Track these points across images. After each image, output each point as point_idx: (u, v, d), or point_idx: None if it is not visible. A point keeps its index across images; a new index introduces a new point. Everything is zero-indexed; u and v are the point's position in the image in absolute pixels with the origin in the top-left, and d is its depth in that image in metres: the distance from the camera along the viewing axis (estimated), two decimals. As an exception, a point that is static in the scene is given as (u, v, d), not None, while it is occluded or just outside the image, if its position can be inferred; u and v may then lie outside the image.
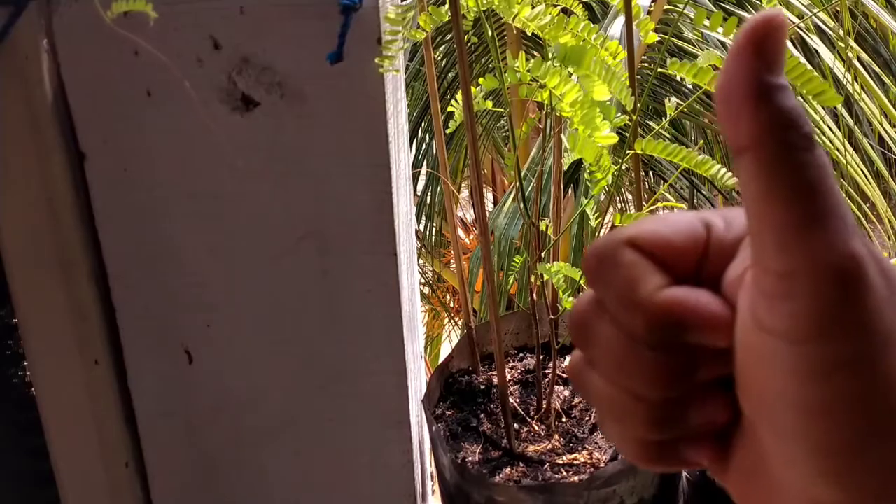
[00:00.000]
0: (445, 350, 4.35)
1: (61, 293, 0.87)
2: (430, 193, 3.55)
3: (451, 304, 4.26)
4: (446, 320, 4.27)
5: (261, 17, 0.80)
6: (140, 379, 0.94)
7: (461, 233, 4.38)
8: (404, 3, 0.82)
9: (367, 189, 0.85)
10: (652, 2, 2.61)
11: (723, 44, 2.85)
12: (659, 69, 0.86)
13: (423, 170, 3.40)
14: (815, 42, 2.36)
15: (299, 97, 0.82)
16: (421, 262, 3.97)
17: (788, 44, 2.48)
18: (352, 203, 0.86)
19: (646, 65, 3.26)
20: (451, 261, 4.44)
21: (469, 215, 4.59)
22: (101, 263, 0.90)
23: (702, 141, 3.30)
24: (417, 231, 3.75)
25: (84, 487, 0.93)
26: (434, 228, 3.65)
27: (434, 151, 3.42)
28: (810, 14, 2.27)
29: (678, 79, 2.81)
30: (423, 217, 3.74)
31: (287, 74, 0.82)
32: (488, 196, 4.61)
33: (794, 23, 2.25)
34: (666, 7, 2.88)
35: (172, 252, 0.89)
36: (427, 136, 3.34)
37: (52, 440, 0.91)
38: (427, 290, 4.17)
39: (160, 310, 0.91)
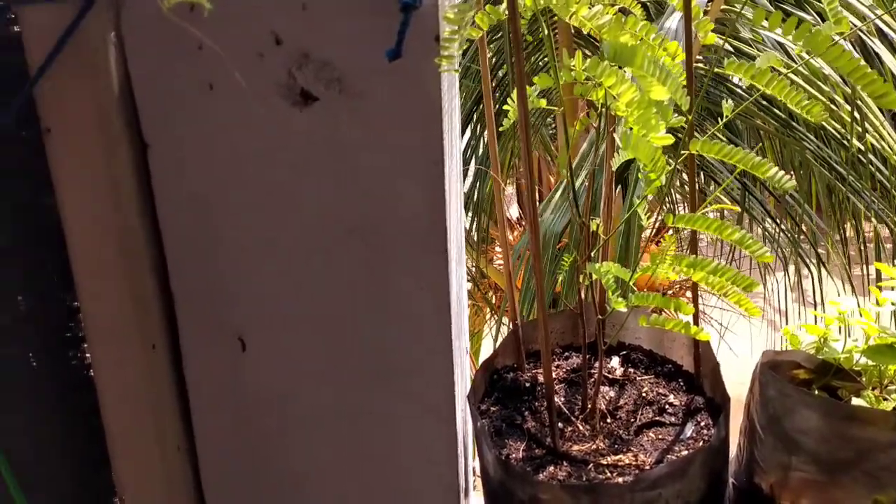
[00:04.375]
0: (486, 346, 4.34)
1: (122, 279, 0.90)
2: (476, 189, 3.56)
3: (493, 301, 4.26)
4: (488, 316, 4.27)
5: (321, 13, 0.81)
6: (195, 364, 0.96)
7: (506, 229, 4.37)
8: (464, 2, 0.83)
9: (421, 186, 0.86)
10: (708, 1, 2.57)
11: (780, 45, 2.80)
12: (715, 69, 0.85)
13: (472, 166, 3.40)
14: (877, 45, 2.31)
15: (357, 93, 0.84)
16: (464, 257, 3.97)
17: (848, 45, 2.42)
18: (405, 199, 0.87)
19: (700, 65, 3.22)
20: (495, 257, 4.44)
21: (512, 212, 4.58)
22: (161, 251, 0.92)
23: (760, 143, 3.24)
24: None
25: (137, 469, 0.96)
26: (478, 224, 3.66)
27: (480, 148, 3.42)
28: (873, 17, 2.21)
29: (733, 80, 2.76)
30: (470, 212, 3.75)
31: (346, 70, 0.83)
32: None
33: (855, 26, 2.20)
34: (723, 7, 2.83)
35: (229, 242, 0.91)
36: (474, 132, 3.35)
37: (109, 422, 0.94)
38: (470, 285, 4.17)
39: (216, 298, 0.93)
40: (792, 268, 3.44)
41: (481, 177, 3.35)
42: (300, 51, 0.83)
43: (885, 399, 0.96)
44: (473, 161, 3.44)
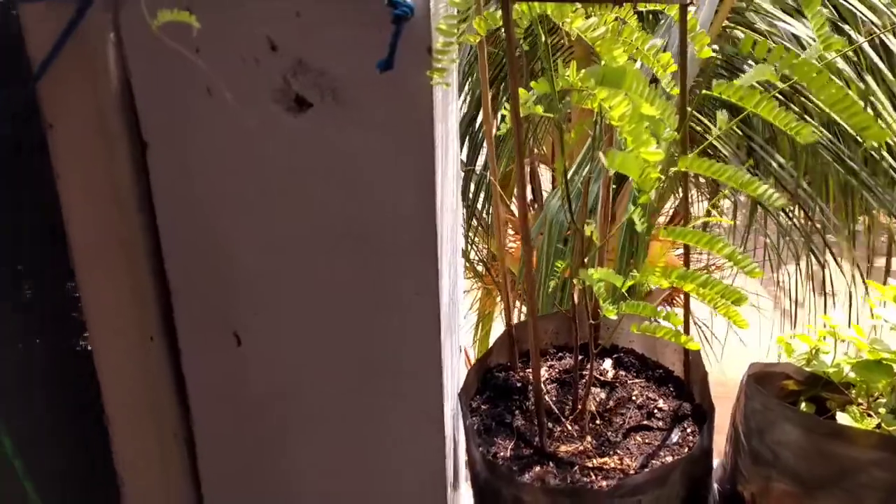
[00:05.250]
0: (497, 327, 4.37)
1: (121, 272, 0.92)
2: (489, 173, 3.56)
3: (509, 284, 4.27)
4: (498, 299, 4.29)
5: (316, 21, 0.82)
6: (191, 357, 0.99)
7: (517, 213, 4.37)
8: (458, 12, 0.83)
9: (412, 193, 0.87)
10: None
11: (796, 37, 2.76)
12: (704, 91, 0.85)
13: (484, 150, 3.40)
14: (891, 42, 2.28)
15: (351, 101, 0.85)
16: (477, 240, 3.99)
17: (867, 46, 2.38)
18: (396, 205, 0.88)
19: (716, 56, 3.19)
20: (507, 241, 4.44)
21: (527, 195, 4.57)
22: (159, 248, 0.94)
23: (767, 134, 3.21)
24: (475, 210, 3.76)
25: (136, 455, 0.99)
26: (492, 207, 3.67)
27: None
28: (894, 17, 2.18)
29: (745, 69, 2.74)
30: (483, 195, 3.76)
31: (340, 78, 0.84)
32: (546, 176, 4.57)
33: (871, 21, 2.17)
34: (740, -4, 2.80)
35: (225, 239, 0.93)
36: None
37: (109, 409, 0.97)
38: (481, 268, 4.19)
39: (212, 294, 0.95)
40: (804, 261, 3.43)
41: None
42: (295, 57, 0.84)
43: (870, 416, 0.97)
44: (485, 146, 3.44)
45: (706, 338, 4.08)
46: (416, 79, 0.82)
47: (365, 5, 0.81)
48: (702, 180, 3.79)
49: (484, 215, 3.78)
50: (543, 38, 0.95)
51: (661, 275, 0.97)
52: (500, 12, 0.91)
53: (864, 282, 3.13)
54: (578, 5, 0.91)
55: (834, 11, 2.60)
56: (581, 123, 1.06)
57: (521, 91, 1.02)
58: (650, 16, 2.85)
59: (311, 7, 0.82)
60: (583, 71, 0.88)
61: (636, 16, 0.92)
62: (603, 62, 0.88)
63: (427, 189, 0.87)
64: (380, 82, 0.83)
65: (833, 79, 0.76)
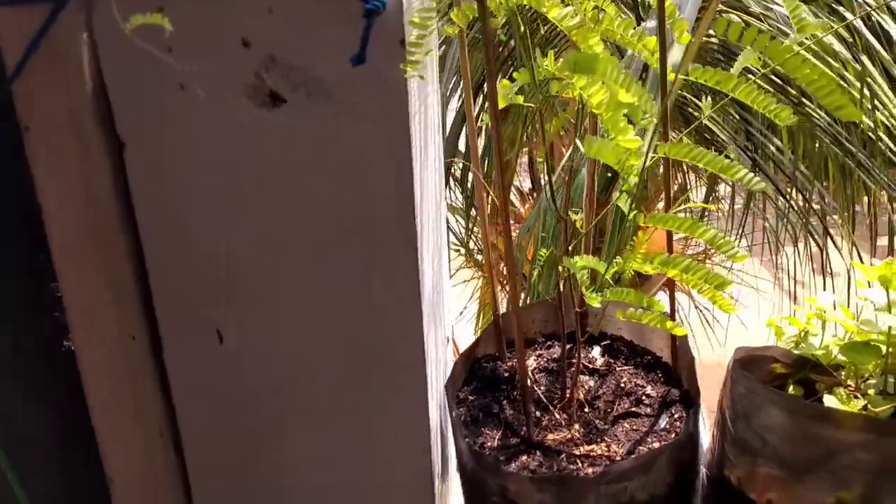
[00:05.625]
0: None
1: (101, 272, 0.92)
2: (487, 161, 3.56)
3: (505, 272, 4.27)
4: (499, 288, 4.29)
5: (288, 16, 0.82)
6: (174, 356, 0.99)
7: (517, 202, 4.37)
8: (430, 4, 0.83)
9: (390, 187, 0.87)
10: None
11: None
12: (681, 76, 0.85)
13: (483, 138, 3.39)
14: (888, 23, 2.26)
15: (325, 95, 0.84)
16: (477, 230, 3.99)
17: (859, 23, 2.36)
18: (374, 199, 0.88)
19: (713, 40, 3.17)
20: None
21: (525, 184, 4.57)
22: (140, 247, 0.94)
23: (766, 118, 3.20)
24: (475, 200, 3.76)
25: (124, 455, 0.99)
26: (476, 198, 3.66)
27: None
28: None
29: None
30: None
31: (313, 73, 0.84)
32: (543, 164, 4.56)
33: (867, 3, 2.15)
34: (734, -22, 2.78)
35: (205, 238, 0.93)
36: (482, 106, 3.33)
37: (94, 409, 0.97)
38: (481, 257, 4.19)
39: (193, 292, 0.96)
40: (802, 243, 3.42)
41: (490, 151, 3.34)
42: (267, 53, 0.83)
43: (857, 397, 0.97)
44: (483, 134, 3.43)
45: (707, 322, 4.08)
46: (390, 72, 0.82)
47: (337, 0, 0.80)
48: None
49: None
50: (522, 28, 0.95)
51: (643, 261, 0.97)
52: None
53: (861, 262, 3.12)
54: (555, -7, 0.91)
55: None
56: (563, 113, 1.06)
57: (505, 82, 1.02)
58: (645, 3, 2.83)
59: (282, 3, 0.82)
60: (561, 60, 0.87)
61: (628, 3, 0.92)
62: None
63: (405, 182, 0.87)
64: (354, 76, 0.82)
65: (810, 59, 0.76)
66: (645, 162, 0.88)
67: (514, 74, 0.99)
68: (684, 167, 3.76)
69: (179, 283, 0.95)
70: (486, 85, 1.05)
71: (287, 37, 0.82)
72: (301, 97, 0.84)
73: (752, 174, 0.87)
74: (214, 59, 0.84)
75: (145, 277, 0.95)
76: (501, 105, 1.00)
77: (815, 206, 3.27)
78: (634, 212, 1.11)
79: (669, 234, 1.02)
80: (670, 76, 0.89)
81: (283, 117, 0.85)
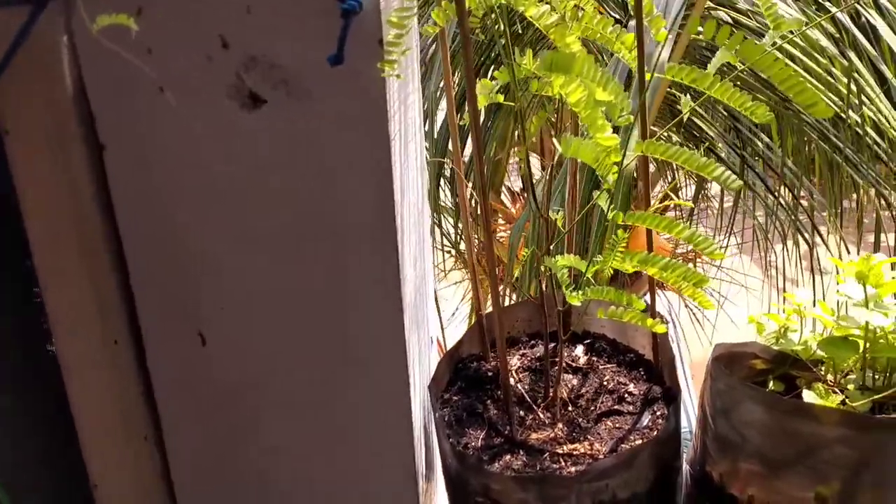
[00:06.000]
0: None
1: (83, 276, 0.93)
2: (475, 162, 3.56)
3: (497, 273, 4.28)
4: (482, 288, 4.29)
5: (267, 16, 0.82)
6: (157, 359, 0.99)
7: (507, 203, 4.38)
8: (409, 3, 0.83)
9: (370, 185, 0.87)
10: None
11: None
12: (657, 74, 0.85)
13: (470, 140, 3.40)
14: (874, 18, 2.28)
15: (304, 95, 0.85)
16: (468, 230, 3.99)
17: (845, 17, 2.38)
18: (355, 198, 0.89)
19: (701, 38, 3.18)
20: (497, 230, 4.44)
21: (517, 184, 4.58)
22: (121, 251, 0.94)
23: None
24: (468, 200, 3.76)
25: (106, 458, 0.99)
26: (458, 197, 3.67)
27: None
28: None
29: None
30: (471, 183, 3.75)
31: (292, 73, 0.84)
32: (535, 162, 4.57)
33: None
34: (720, -24, 2.80)
35: (187, 240, 0.93)
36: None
37: (77, 413, 0.97)
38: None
39: (175, 294, 0.96)
40: (791, 240, 3.43)
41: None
42: (247, 54, 0.84)
43: (836, 392, 0.97)
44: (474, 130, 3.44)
45: (697, 319, 4.09)
46: (368, 72, 0.82)
47: (315, 0, 0.81)
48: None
49: (472, 204, 3.78)
50: (501, 27, 0.95)
51: (623, 259, 0.97)
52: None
53: (847, 258, 3.13)
54: (533, -7, 0.91)
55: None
56: (542, 112, 1.06)
57: (485, 81, 1.03)
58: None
59: (261, 3, 0.82)
60: (540, 59, 0.88)
61: (617, 2, 0.93)
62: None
63: (384, 182, 0.87)
64: (332, 76, 0.83)
65: (781, 58, 0.76)
66: (623, 160, 0.88)
67: (495, 73, 1.00)
68: (674, 165, 3.77)
69: (162, 285, 0.95)
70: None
71: (266, 36, 0.83)
72: (281, 96, 0.84)
73: (728, 172, 0.88)
74: (194, 60, 0.84)
75: (128, 281, 0.95)
76: (482, 104, 1.01)
77: (804, 203, 3.29)
78: (615, 211, 1.12)
79: (650, 232, 1.02)
80: (647, 75, 0.90)
81: (263, 118, 0.85)
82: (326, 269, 0.92)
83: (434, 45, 3.11)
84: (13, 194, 0.90)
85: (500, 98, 1.01)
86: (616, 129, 0.91)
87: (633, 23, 0.99)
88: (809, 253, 3.32)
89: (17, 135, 0.88)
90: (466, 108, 1.00)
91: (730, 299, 3.78)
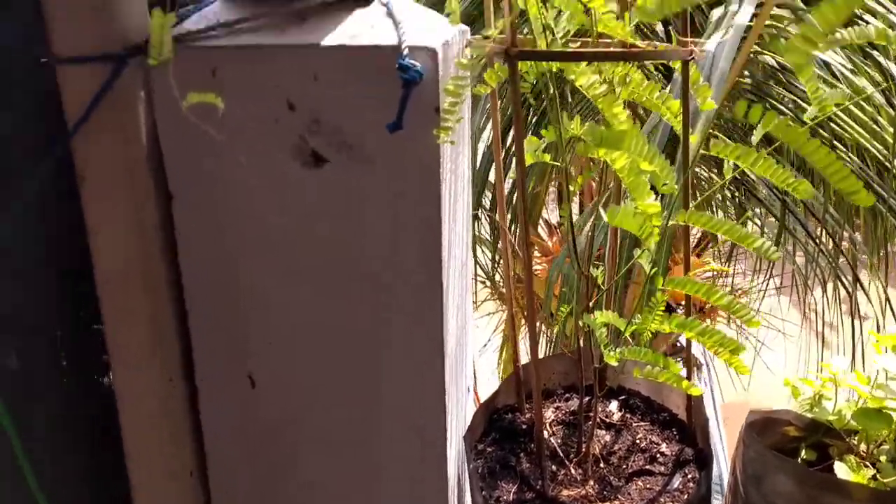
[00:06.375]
0: (522, 350, 4.39)
1: (145, 317, 0.98)
2: (514, 196, 3.59)
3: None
4: (523, 322, 4.30)
5: (333, 83, 0.87)
6: (208, 398, 1.04)
7: (544, 235, 4.39)
8: (467, 68, 0.87)
9: (418, 242, 0.92)
10: (753, 17, 2.55)
11: (826, 63, 2.76)
12: (702, 151, 0.88)
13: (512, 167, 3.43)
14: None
15: (364, 157, 0.89)
16: (502, 261, 4.01)
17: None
18: (405, 255, 0.93)
19: (745, 80, 3.19)
20: (534, 263, 4.45)
21: (554, 216, 4.59)
22: (181, 291, 0.99)
23: (797, 161, 3.20)
24: (508, 230, 3.79)
25: (152, 490, 1.04)
26: (501, 243, 3.69)
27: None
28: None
29: (774, 94, 2.75)
30: (510, 216, 3.78)
31: (353, 136, 0.89)
32: (574, 199, 4.58)
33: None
34: (767, 23, 2.80)
35: (244, 287, 0.98)
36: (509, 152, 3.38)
37: (128, 444, 1.02)
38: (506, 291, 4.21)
39: (229, 338, 1.00)
40: (830, 286, 3.40)
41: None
42: (312, 117, 0.88)
43: (867, 466, 0.98)
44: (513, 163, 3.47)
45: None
46: (423, 138, 0.87)
47: (378, 70, 0.85)
48: (728, 204, 3.78)
49: (511, 237, 3.80)
50: (553, 91, 0.99)
51: (661, 321, 1.00)
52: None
53: (890, 305, 3.09)
54: (583, 63, 0.95)
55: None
56: (588, 171, 1.10)
57: (532, 138, 1.07)
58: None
59: (328, 70, 0.87)
60: (585, 126, 0.91)
61: (646, 69, 0.96)
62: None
63: (433, 240, 0.91)
64: (391, 140, 0.87)
65: (823, 145, 0.79)
66: (665, 226, 0.91)
67: (542, 132, 1.04)
68: (713, 206, 3.77)
69: (217, 330, 1.00)
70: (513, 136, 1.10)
71: (331, 101, 0.88)
72: (342, 158, 0.89)
73: (769, 244, 0.90)
74: (262, 121, 0.89)
75: (185, 321, 1.00)
76: (529, 161, 1.05)
77: (845, 249, 3.25)
78: (654, 270, 1.14)
79: (688, 297, 1.05)
80: (692, 138, 0.92)
81: (325, 176, 0.90)
82: (378, 317, 0.97)
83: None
84: (84, 235, 0.96)
85: (547, 157, 1.05)
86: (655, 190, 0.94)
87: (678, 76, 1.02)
88: (849, 298, 3.28)
89: (92, 181, 0.93)
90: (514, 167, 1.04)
91: (767, 344, 3.75)
